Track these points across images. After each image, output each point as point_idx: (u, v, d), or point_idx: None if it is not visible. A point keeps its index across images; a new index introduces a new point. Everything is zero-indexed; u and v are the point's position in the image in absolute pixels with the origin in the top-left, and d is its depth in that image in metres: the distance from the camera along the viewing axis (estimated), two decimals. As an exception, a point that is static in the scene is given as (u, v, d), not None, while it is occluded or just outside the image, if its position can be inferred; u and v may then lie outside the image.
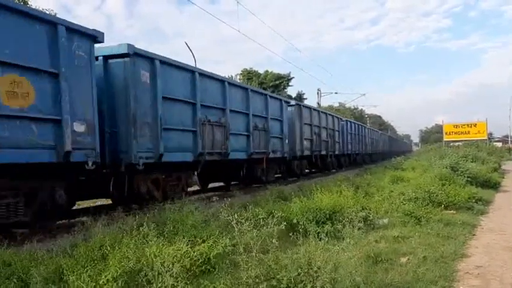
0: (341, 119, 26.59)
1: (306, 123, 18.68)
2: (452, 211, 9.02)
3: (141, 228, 4.93)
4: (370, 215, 7.27)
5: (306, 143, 18.54)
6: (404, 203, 8.83)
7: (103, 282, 3.83)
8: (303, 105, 19.46)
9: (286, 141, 16.14)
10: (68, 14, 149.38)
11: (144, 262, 4.18)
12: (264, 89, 29.69)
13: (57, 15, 17.27)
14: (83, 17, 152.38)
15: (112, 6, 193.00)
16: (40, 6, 16.92)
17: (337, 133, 24.18)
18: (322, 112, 22.21)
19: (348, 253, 5.14)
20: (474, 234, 7.37)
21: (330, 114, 23.76)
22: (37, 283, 3.90)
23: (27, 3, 16.28)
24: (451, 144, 44.85)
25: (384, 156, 45.77)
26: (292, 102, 18.57)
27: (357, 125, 31.65)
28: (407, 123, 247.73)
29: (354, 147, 29.50)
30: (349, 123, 28.62)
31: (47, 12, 15.50)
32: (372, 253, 5.42)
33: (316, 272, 4.04)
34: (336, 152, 23.94)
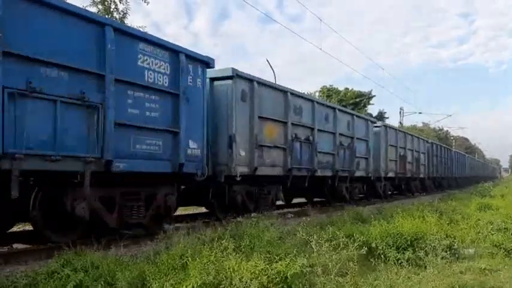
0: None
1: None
2: (547, 245, 7.78)
3: (220, 241, 4.95)
4: (455, 244, 6.77)
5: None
6: (492, 233, 8.14)
7: (184, 292, 3.60)
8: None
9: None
10: (158, 31, 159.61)
11: (223, 276, 4.16)
12: (344, 106, 29.22)
13: (149, 32, 17.37)
14: (171, 35, 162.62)
15: (199, 26, 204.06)
16: (135, 23, 18.26)
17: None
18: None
19: (432, 283, 4.84)
20: None
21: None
22: (122, 287, 3.99)
23: (124, 22, 17.06)
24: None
25: (470, 181, 43.01)
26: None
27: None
28: (497, 148, 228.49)
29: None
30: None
31: (141, 29, 16.21)
32: (457, 285, 4.99)
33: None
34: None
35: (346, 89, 43.45)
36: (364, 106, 42.44)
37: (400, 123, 39.24)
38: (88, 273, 4.26)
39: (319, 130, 12.00)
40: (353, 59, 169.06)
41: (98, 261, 4.58)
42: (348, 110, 15.04)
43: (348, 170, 13.78)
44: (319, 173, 12.02)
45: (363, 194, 16.76)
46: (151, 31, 36.89)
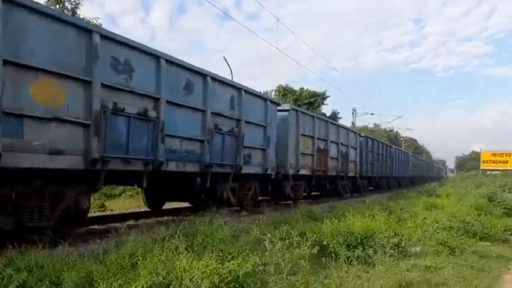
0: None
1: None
2: (487, 243, 9.42)
3: (172, 240, 5.42)
4: (402, 242, 7.39)
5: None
6: (438, 231, 8.98)
7: (133, 292, 5.09)
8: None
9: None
10: (112, 24, 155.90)
11: (174, 276, 4.55)
12: (299, 105, 25.93)
13: (103, 25, 19.12)
14: (127, 28, 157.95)
15: (156, 19, 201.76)
16: (87, 14, 20.12)
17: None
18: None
19: (380, 281, 5.38)
20: (509, 268, 7.67)
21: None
22: None
23: (76, 13, 17.06)
24: (488, 172, 47.13)
25: (414, 181, 45.85)
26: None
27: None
28: (444, 149, 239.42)
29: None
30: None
31: (94, 21, 17.38)
32: (403, 282, 5.64)
33: (347, 299, 5.27)
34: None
35: (302, 88, 47.54)
36: (319, 106, 45.78)
37: (353, 123, 42.65)
38: (32, 273, 4.56)
39: (171, 103, 9.01)
40: (310, 59, 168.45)
41: (42, 260, 4.85)
42: (232, 82, 10.74)
43: (230, 164, 10.46)
44: (171, 166, 8.50)
45: (269, 196, 13.14)
46: (105, 24, 36.24)
